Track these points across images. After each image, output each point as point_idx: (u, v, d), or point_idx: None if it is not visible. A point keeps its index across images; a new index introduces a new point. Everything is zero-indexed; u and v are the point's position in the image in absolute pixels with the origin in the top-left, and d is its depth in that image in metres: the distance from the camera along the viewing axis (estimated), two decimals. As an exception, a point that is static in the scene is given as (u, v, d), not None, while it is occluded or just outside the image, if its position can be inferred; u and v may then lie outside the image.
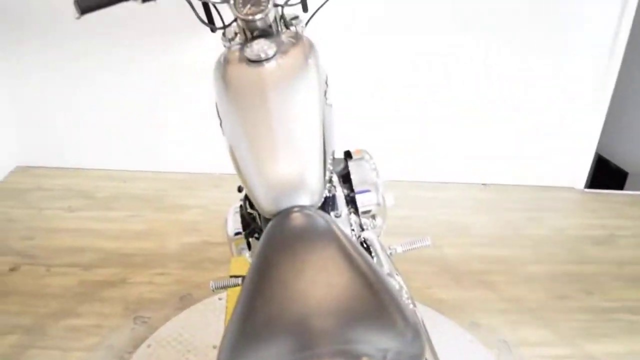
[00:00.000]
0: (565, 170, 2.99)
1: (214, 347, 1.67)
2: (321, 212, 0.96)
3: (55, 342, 1.73)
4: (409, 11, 2.57)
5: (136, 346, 1.69)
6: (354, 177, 1.26)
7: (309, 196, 0.97)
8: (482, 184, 2.96)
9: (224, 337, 0.74)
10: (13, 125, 2.77)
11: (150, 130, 2.78)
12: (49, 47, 2.57)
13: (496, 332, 1.88)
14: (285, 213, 0.93)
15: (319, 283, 0.77)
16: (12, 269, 2.07)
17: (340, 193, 1.21)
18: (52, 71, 2.63)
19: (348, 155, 1.32)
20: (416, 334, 0.72)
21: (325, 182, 1.04)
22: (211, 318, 1.77)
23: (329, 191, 1.18)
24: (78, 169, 2.83)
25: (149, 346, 1.63)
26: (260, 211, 1.01)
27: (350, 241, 0.87)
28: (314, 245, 0.85)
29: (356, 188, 1.26)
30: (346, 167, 1.28)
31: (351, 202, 1.27)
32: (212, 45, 1.44)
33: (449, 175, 2.95)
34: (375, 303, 0.75)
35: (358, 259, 0.82)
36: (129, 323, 1.82)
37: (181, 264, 2.13)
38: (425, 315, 1.81)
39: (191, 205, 2.58)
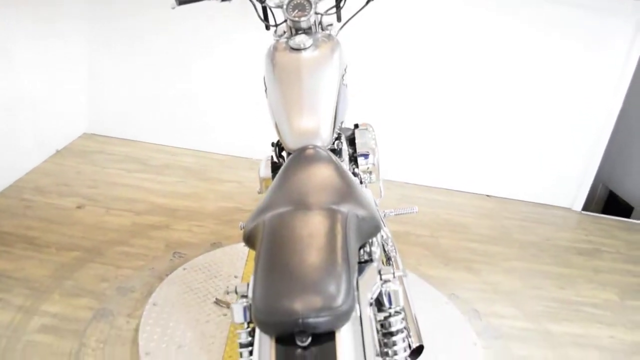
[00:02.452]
0: (564, 192, 3.30)
1: (235, 276, 2.06)
2: (328, 151, 1.35)
3: (110, 261, 2.15)
4: (429, 29, 2.98)
5: (173, 270, 2.09)
6: (357, 141, 1.65)
7: (319, 140, 1.38)
8: (487, 195, 3.29)
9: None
10: (85, 96, 3.26)
11: (201, 114, 3.24)
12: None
13: (470, 303, 2.21)
14: (303, 149, 1.34)
15: (319, 183, 1.17)
16: (79, 207, 2.52)
17: (345, 148, 1.60)
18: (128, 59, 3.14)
19: (356, 125, 1.71)
20: (374, 214, 1.10)
21: (333, 134, 1.44)
22: (236, 258, 2.17)
23: (337, 146, 1.57)
24: (136, 141, 3.30)
25: (184, 269, 2.03)
26: (285, 147, 1.42)
27: (343, 167, 1.27)
28: (319, 165, 1.25)
29: (359, 150, 1.64)
30: (353, 133, 1.67)
31: (354, 160, 1.65)
32: (261, 49, 1.85)
33: (457, 184, 3.30)
34: (353, 194, 1.13)
35: (347, 175, 1.21)
36: (168, 256, 2.23)
37: (216, 221, 2.54)
38: (411, 281, 2.17)
39: (229, 180, 3.00)
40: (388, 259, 1.77)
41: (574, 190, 3.30)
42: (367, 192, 1.34)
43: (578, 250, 2.82)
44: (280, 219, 0.99)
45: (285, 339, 0.80)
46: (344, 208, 1.03)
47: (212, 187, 2.88)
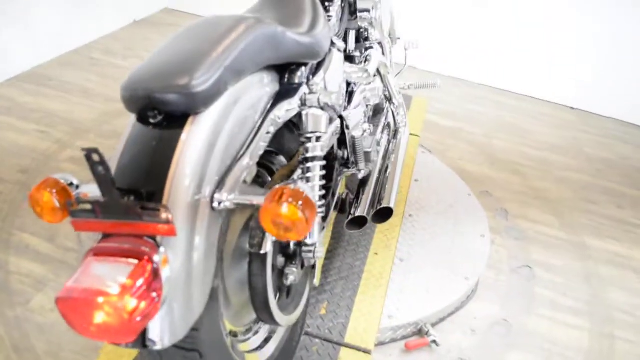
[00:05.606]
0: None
1: None
2: None
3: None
4: None
5: None
6: None
7: None
8: (571, 108, 2.95)
9: None
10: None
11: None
12: None
13: (502, 203, 2.04)
14: None
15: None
16: (136, 67, 2.63)
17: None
18: None
19: None
20: (314, 41, 1.01)
21: None
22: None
23: None
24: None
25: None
26: None
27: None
28: None
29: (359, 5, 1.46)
30: None
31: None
32: None
33: (540, 93, 2.99)
34: (304, 18, 1.05)
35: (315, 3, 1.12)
36: None
37: None
38: (439, 170, 2.02)
39: None
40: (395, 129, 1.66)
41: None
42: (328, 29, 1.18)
43: (658, 175, 2.47)
44: (201, 20, 0.93)
45: (144, 119, 0.77)
46: (274, 23, 0.94)
47: None
